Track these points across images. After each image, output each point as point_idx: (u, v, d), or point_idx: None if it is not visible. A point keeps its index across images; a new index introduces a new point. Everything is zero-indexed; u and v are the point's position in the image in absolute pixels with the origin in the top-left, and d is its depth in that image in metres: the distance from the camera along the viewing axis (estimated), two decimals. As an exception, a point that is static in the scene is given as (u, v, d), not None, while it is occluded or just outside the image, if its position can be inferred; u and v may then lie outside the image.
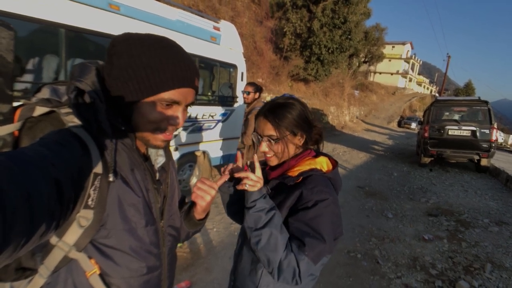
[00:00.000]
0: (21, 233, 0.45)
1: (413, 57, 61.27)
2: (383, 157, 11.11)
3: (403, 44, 60.44)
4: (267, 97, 11.61)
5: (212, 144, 5.04)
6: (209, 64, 5.31)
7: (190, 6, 7.79)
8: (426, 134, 9.02)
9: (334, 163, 1.20)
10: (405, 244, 4.10)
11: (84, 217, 0.68)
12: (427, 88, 73.74)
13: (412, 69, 62.04)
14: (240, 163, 1.14)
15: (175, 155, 4.38)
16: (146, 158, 0.87)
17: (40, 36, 3.02)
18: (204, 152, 5.00)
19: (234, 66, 5.18)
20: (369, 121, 26.75)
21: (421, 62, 69.10)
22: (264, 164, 1.31)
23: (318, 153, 1.22)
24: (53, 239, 0.69)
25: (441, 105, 9.52)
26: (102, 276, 0.74)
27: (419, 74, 70.63)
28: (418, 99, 44.50)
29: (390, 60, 54.13)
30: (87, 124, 0.68)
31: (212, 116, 4.84)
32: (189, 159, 4.78)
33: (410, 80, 60.35)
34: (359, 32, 17.86)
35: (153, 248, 0.83)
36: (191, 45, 4.29)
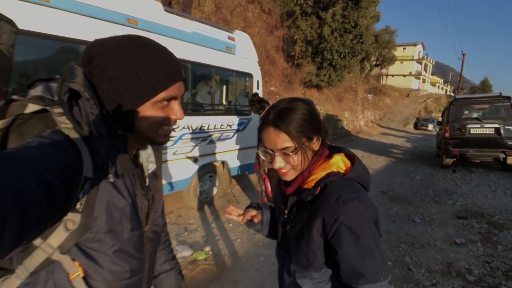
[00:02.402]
0: (11, 238, 0.44)
1: (425, 58, 60.36)
2: (403, 160, 10.86)
3: (414, 45, 59.73)
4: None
5: (230, 154, 5.02)
6: (225, 74, 5.34)
7: (202, 18, 7.91)
8: (447, 135, 8.76)
9: (352, 158, 1.03)
10: (436, 249, 3.93)
11: (71, 220, 0.67)
12: (442, 88, 72.37)
13: (425, 70, 61.05)
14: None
15: (195, 167, 4.38)
16: (137, 164, 0.88)
17: (63, 54, 3.08)
18: (223, 162, 4.98)
19: (249, 75, 5.19)
20: (384, 125, 26.34)
21: (433, 63, 67.96)
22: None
23: (332, 150, 1.06)
24: (37, 241, 0.67)
25: (461, 103, 9.26)
26: (85, 278, 0.73)
27: (432, 74, 69.45)
28: (433, 99, 43.66)
29: (402, 62, 53.44)
30: (79, 127, 0.67)
31: (230, 126, 4.83)
32: (209, 170, 4.77)
33: (424, 81, 59.37)
34: (370, 35, 17.75)
35: (137, 253, 0.83)
36: (208, 56, 4.33)
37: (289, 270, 1.05)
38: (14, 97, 0.72)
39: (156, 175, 0.94)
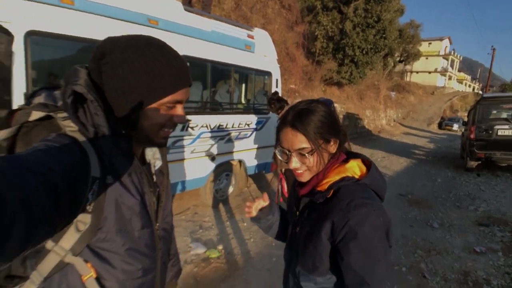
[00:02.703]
0: (19, 239, 0.44)
1: (452, 53, 57.89)
2: (425, 162, 10.56)
3: (441, 39, 57.41)
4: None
5: (248, 153, 5.05)
6: (244, 73, 5.35)
7: (222, 16, 7.93)
8: (472, 136, 8.41)
9: (369, 164, 1.02)
10: (453, 256, 3.83)
11: (81, 221, 0.68)
12: (469, 86, 69.45)
13: (452, 66, 58.65)
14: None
15: (212, 165, 4.43)
16: (144, 162, 0.89)
17: (86, 54, 3.17)
18: (240, 161, 5.02)
19: (268, 73, 5.18)
20: (407, 124, 25.62)
21: (461, 58, 65.07)
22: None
23: (349, 155, 1.06)
24: (49, 244, 0.69)
25: (488, 103, 8.86)
26: (98, 279, 0.74)
27: (459, 71, 66.67)
28: (460, 98, 41.96)
29: (427, 58, 51.55)
30: (84, 129, 0.68)
31: (248, 125, 4.85)
32: (225, 168, 4.82)
33: (450, 78, 57.09)
34: (394, 30, 17.23)
35: (149, 251, 0.84)
36: (227, 55, 4.35)
37: (294, 271, 1.07)
38: (18, 106, 0.73)
39: (162, 172, 0.95)
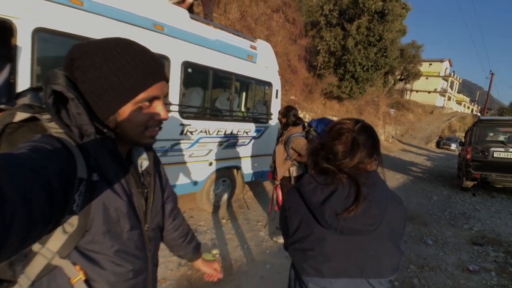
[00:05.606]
0: (19, 236, 0.44)
1: (452, 75, 58.71)
2: (422, 179, 10.59)
3: (441, 61, 58.22)
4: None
5: (245, 160, 5.07)
6: (245, 82, 5.41)
7: (227, 26, 8.06)
8: (469, 156, 8.50)
9: None
10: (446, 273, 3.83)
11: (68, 223, 0.67)
12: (468, 107, 70.18)
13: (451, 87, 59.34)
14: None
15: (209, 170, 4.45)
16: (130, 162, 0.88)
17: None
18: (237, 168, 5.03)
19: (269, 84, 5.25)
20: (405, 141, 25.75)
21: (460, 80, 65.95)
22: None
23: None
24: (36, 246, 0.68)
25: (485, 125, 9.01)
26: (87, 281, 0.73)
27: (458, 92, 67.43)
28: (458, 118, 42.31)
29: (427, 78, 52.19)
30: (68, 130, 0.68)
31: (246, 133, 4.89)
32: (223, 174, 4.83)
33: (449, 98, 57.69)
34: (395, 49, 17.50)
35: (139, 252, 0.84)
36: (229, 64, 4.42)
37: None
38: (2, 106, 0.72)
39: (149, 173, 0.93)
